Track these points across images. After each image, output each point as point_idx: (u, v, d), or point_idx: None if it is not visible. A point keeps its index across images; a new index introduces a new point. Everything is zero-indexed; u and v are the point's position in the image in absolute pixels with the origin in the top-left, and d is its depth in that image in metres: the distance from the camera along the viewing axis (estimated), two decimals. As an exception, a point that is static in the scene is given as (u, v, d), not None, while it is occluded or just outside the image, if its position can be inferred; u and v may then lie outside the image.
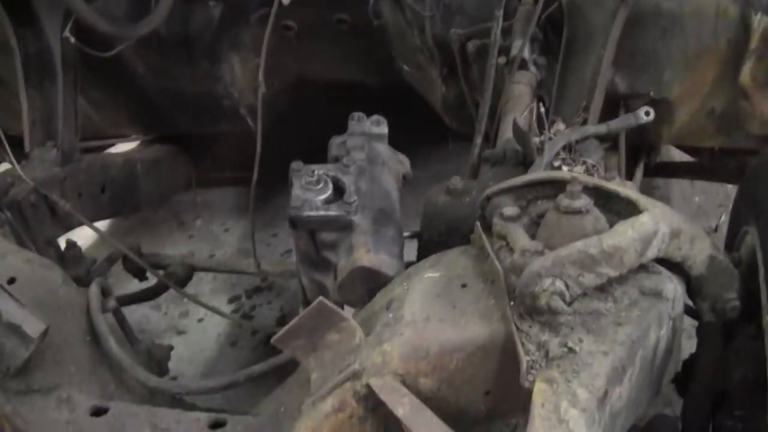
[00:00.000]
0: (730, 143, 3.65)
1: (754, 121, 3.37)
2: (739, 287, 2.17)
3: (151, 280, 3.76)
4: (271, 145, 3.30)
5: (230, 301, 4.77)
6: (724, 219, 4.83)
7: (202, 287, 4.81)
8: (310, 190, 2.38)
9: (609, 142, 2.95)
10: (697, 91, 3.35)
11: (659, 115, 3.25)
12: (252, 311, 4.68)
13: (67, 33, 3.35)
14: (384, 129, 2.75)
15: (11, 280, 2.53)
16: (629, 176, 3.66)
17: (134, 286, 3.88)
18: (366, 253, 2.31)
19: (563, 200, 1.95)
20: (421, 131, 4.63)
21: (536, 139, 2.68)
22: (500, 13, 2.82)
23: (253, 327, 4.50)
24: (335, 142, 2.71)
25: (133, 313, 4.24)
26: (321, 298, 1.93)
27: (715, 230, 4.86)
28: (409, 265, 2.45)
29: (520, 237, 1.99)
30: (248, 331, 4.52)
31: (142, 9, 3.64)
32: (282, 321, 4.50)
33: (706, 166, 4.16)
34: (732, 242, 2.50)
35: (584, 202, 1.94)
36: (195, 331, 4.58)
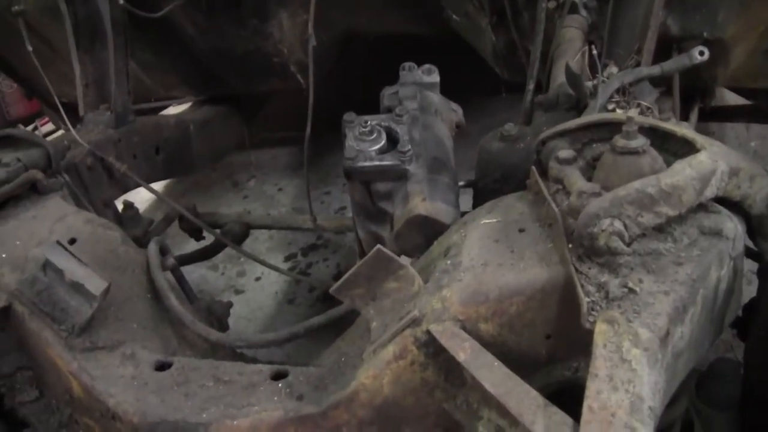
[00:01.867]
0: (785, 85, 3.60)
1: (811, 61, 3.31)
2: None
3: (208, 240, 3.79)
4: (321, 102, 3.29)
5: (286, 259, 4.80)
6: (782, 162, 4.77)
7: (258, 246, 4.85)
8: (363, 141, 2.38)
9: (663, 85, 2.91)
10: (753, 30, 3.29)
11: (713, 56, 3.19)
12: (308, 269, 4.70)
13: (116, -5, 3.36)
14: (436, 77, 2.74)
15: (72, 241, 2.57)
16: (684, 120, 3.62)
17: (191, 246, 3.92)
18: (422, 201, 2.30)
19: (619, 141, 1.93)
20: (471, 82, 4.62)
21: (589, 83, 2.65)
22: (549, -43, 2.80)
23: (311, 283, 4.51)
24: (387, 92, 2.70)
25: (191, 274, 4.29)
26: (379, 246, 1.92)
27: (774, 173, 4.80)
28: (465, 214, 2.45)
29: (576, 179, 1.98)
30: (305, 288, 4.54)
31: (189, -32, 3.66)
32: (338, 277, 4.50)
33: (763, 108, 4.09)
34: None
35: (641, 141, 1.92)
36: (253, 289, 4.62)
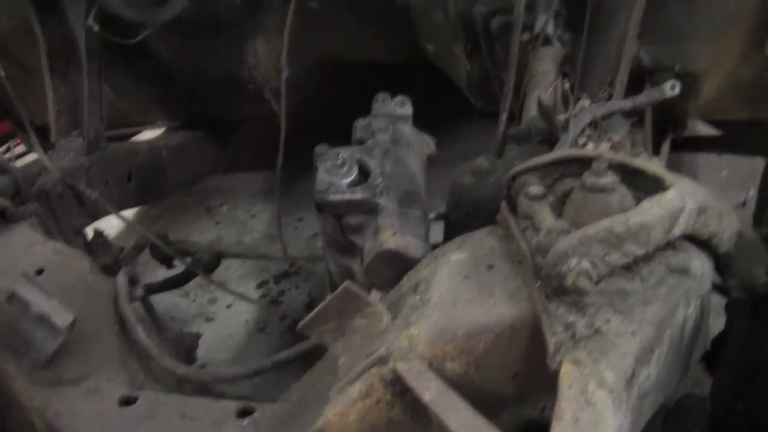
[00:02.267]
0: (758, 115, 3.60)
1: (781, 93, 3.33)
2: (768, 262, 2.14)
3: (179, 268, 3.77)
4: (296, 127, 3.29)
5: (258, 286, 4.79)
6: (753, 193, 4.80)
7: (230, 273, 4.83)
8: (335, 174, 2.37)
9: (635, 117, 2.93)
10: (724, 62, 3.31)
11: (685, 89, 3.21)
12: (280, 296, 4.69)
13: (90, 21, 3.35)
14: (408, 109, 2.74)
15: (39, 271, 2.55)
16: (656, 151, 3.63)
17: (162, 273, 3.90)
18: (392, 235, 2.30)
19: (589, 178, 1.93)
20: (446, 109, 4.63)
21: (561, 116, 2.66)
22: (524, -11, 2.81)
23: (282, 312, 4.50)
24: (360, 124, 2.70)
25: (162, 301, 4.28)
26: (347, 282, 1.92)
27: (743, 205, 4.83)
28: (435, 246, 2.45)
29: (545, 216, 1.98)
30: (277, 317, 4.53)
31: (165, -7, 3.65)
32: (310, 306, 4.51)
33: (734, 139, 4.11)
34: (761, 217, 2.47)
35: (610, 179, 1.92)
36: (223, 317, 4.60)
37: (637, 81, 3.25)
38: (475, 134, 5.36)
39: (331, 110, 5.06)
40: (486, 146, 2.90)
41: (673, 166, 4.79)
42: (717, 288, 2.15)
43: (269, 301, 4.64)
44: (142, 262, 3.80)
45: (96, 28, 3.38)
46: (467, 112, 4.27)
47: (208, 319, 4.62)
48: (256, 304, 4.34)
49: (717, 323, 2.27)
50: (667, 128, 3.80)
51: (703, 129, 4.42)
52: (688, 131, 4.21)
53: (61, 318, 2.23)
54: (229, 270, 4.89)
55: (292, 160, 3.22)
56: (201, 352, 2.96)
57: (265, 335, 4.44)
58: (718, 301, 2.22)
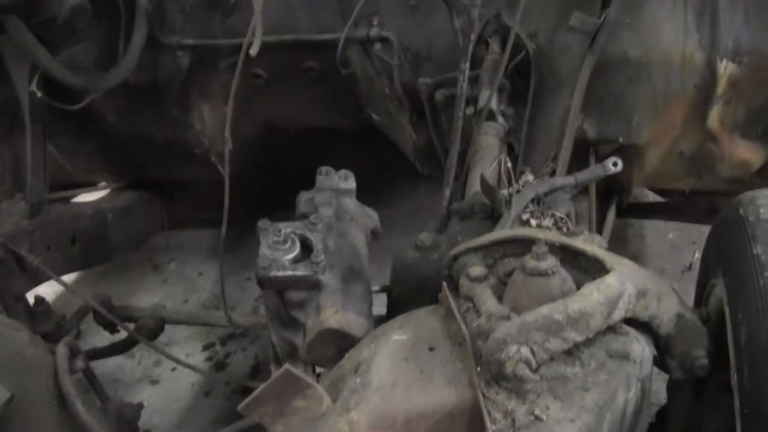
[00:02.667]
0: (700, 185, 3.66)
1: (723, 164, 3.39)
2: (708, 343, 2.16)
3: (124, 332, 3.73)
4: (244, 184, 3.29)
5: (204, 348, 4.74)
6: (698, 256, 4.84)
7: (176, 334, 4.78)
8: (277, 250, 2.36)
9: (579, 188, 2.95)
10: (666, 135, 3.37)
11: (629, 160, 3.27)
12: (226, 359, 4.65)
13: (33, 88, 3.32)
14: (352, 184, 2.74)
15: (-25, 344, 2.51)
16: (601, 218, 3.67)
17: (106, 333, 3.85)
18: (334, 313, 2.29)
19: (529, 262, 1.94)
20: (393, 169, 4.64)
21: (504, 192, 2.68)
22: (466, 65, 2.82)
23: (227, 378, 4.45)
24: (303, 198, 2.70)
25: (106, 363, 4.22)
26: (287, 365, 1.90)
27: (689, 268, 4.87)
28: (379, 319, 2.45)
29: (486, 299, 1.98)
30: (222, 381, 4.48)
31: (110, 57, 3.64)
32: (256, 369, 4.48)
33: (678, 206, 4.17)
34: (701, 294, 2.49)
35: (550, 263, 1.93)
36: (168, 380, 4.55)
37: (581, 152, 3.29)
38: (424, 193, 5.41)
39: (279, 165, 5.09)
40: (434, 206, 2.91)
41: (620, 229, 4.86)
42: (659, 364, 2.16)
43: (215, 365, 4.60)
44: (87, 321, 3.76)
45: (39, 94, 3.35)
46: (414, 172, 4.28)
47: (153, 382, 4.57)
48: (200, 373, 4.28)
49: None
50: (612, 195, 3.83)
51: (650, 194, 4.48)
52: (635, 195, 4.26)
53: (-3, 395, 2.20)
54: (175, 330, 4.83)
55: (239, 217, 3.22)
56: (145, 417, 2.93)
57: (210, 399, 4.39)
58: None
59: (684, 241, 5.19)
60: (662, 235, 5.27)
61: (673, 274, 4.90)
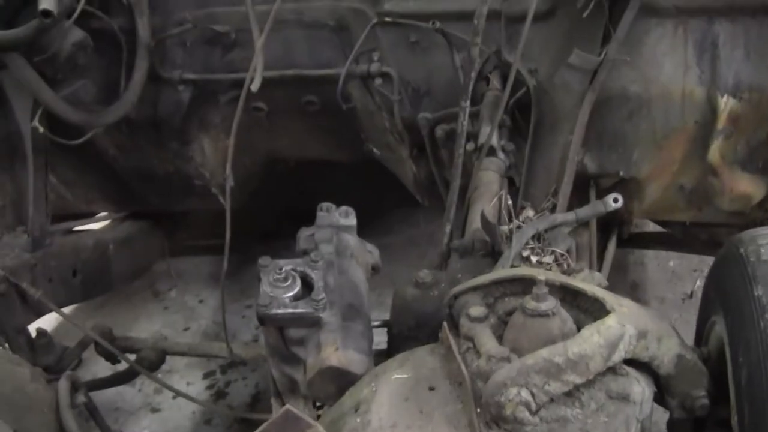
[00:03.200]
0: (700, 217, 3.66)
1: (723, 197, 3.39)
2: (708, 383, 2.16)
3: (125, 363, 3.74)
4: (245, 211, 3.29)
5: (205, 376, 4.73)
6: (699, 285, 4.84)
7: (176, 362, 4.76)
8: (277, 287, 2.37)
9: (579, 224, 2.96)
10: (666, 168, 3.38)
11: (629, 193, 3.29)
12: (227, 387, 4.64)
13: (36, 123, 3.34)
14: (352, 220, 2.75)
15: (-22, 380, 2.51)
16: (602, 248, 3.67)
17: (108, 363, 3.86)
18: (334, 351, 2.30)
19: (529, 303, 1.95)
20: (394, 197, 4.64)
21: (505, 228, 2.68)
22: (467, 104, 2.83)
23: (226, 410, 4.44)
24: (303, 234, 2.71)
25: (108, 391, 4.21)
26: (287, 406, 1.91)
27: (690, 296, 4.87)
28: (379, 353, 2.46)
29: (486, 340, 1.98)
30: (223, 409, 4.47)
31: (112, 92, 3.66)
32: (257, 397, 4.48)
33: (678, 237, 4.17)
34: (702, 329, 2.50)
35: (550, 304, 1.94)
36: (169, 408, 4.54)
37: (581, 185, 3.30)
38: (425, 220, 5.42)
39: (281, 191, 5.10)
40: (435, 233, 2.92)
41: (620, 257, 4.86)
42: (659, 403, 2.17)
43: (215, 393, 4.59)
44: (88, 349, 3.76)
45: (41, 130, 3.37)
46: (414, 201, 4.29)
47: (154, 410, 4.56)
48: (201, 404, 4.26)
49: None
50: (612, 227, 3.84)
51: (650, 224, 4.48)
52: (635, 224, 4.27)
53: (-1, 432, 2.21)
54: (176, 358, 4.83)
55: (241, 244, 3.22)
56: (147, 446, 2.92)
57: (211, 428, 4.38)
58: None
59: (685, 270, 5.18)
60: (663, 263, 5.26)
61: (673, 303, 4.90)
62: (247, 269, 5.27)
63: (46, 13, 2.94)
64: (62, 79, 3.39)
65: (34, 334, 3.44)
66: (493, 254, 2.67)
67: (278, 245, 4.65)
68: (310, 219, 2.75)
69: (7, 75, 3.30)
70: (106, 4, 3.63)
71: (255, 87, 3.18)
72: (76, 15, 3.21)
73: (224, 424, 4.38)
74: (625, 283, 5.04)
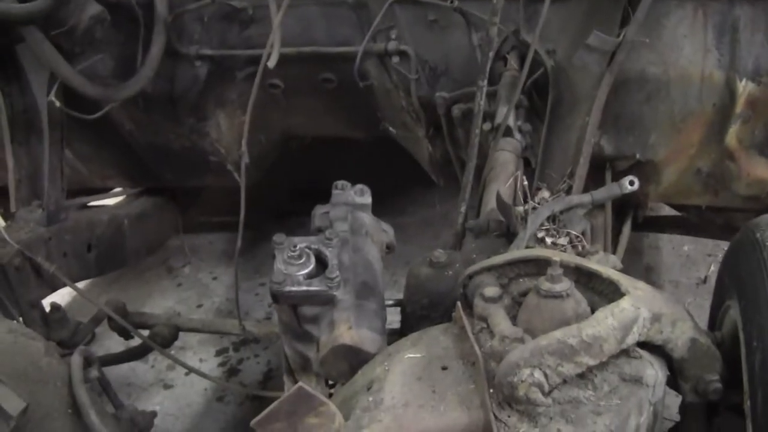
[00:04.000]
0: (717, 202, 3.65)
1: (740, 182, 3.38)
2: (721, 367, 2.15)
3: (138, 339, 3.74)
4: (260, 188, 3.29)
5: (218, 353, 4.75)
6: (713, 269, 4.84)
7: (189, 338, 4.79)
8: (292, 265, 2.37)
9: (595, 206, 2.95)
10: (683, 152, 3.36)
11: (645, 176, 3.27)
12: (239, 364, 4.66)
13: (52, 97, 3.33)
14: (368, 198, 2.74)
15: (-7, 354, 2.52)
16: (617, 231, 3.66)
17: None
18: (347, 329, 2.30)
19: (544, 284, 1.94)
20: (409, 177, 4.64)
21: (520, 209, 2.68)
22: (484, 83, 2.82)
23: (239, 387, 4.45)
24: (318, 212, 2.71)
25: (120, 366, 4.23)
26: (300, 383, 1.91)
27: (704, 281, 4.87)
28: (393, 332, 2.45)
29: (500, 320, 1.98)
30: (235, 386, 4.49)
31: (129, 67, 3.65)
32: (269, 375, 4.49)
33: (694, 221, 4.16)
34: (716, 314, 2.49)
35: (565, 285, 1.93)
36: (182, 384, 4.56)
37: (598, 167, 3.29)
38: (441, 199, 5.42)
39: (296, 167, 5.10)
40: (450, 214, 2.91)
41: (635, 241, 4.85)
42: (672, 386, 2.16)
43: (227, 370, 4.61)
44: (101, 324, 3.76)
45: (57, 104, 3.36)
46: (430, 180, 4.28)
47: (167, 386, 4.58)
48: (213, 381, 4.28)
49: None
50: (627, 210, 3.83)
51: (665, 208, 4.47)
52: (651, 207, 4.25)
53: (12, 405, 2.20)
54: (188, 335, 4.83)
55: (255, 220, 3.22)
56: (158, 421, 2.92)
57: (223, 405, 4.40)
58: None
59: (699, 254, 5.18)
60: (677, 247, 5.26)
61: (687, 287, 4.90)
62: (261, 247, 5.29)
63: (64, -13, 2.95)
64: (79, 53, 3.38)
65: (48, 309, 3.44)
66: (508, 235, 2.66)
67: (293, 223, 4.67)
68: (325, 197, 2.75)
69: (24, 48, 3.31)
70: None
71: (272, 63, 3.18)
72: (94, -11, 3.22)
73: (236, 401, 4.41)
74: (639, 266, 5.04)
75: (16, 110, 3.56)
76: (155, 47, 3.58)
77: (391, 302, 2.64)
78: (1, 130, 3.53)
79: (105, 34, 3.39)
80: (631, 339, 1.92)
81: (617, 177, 3.11)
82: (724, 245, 2.60)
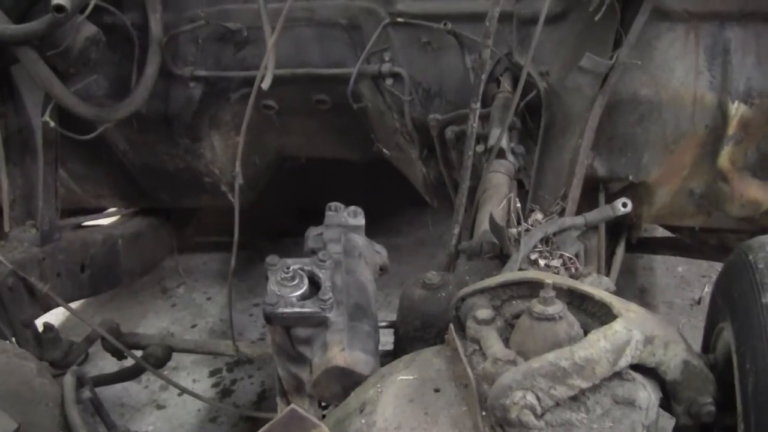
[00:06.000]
0: (710, 223, 3.66)
1: (733, 203, 3.38)
2: (715, 390, 2.15)
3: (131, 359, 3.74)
4: (254, 209, 3.29)
5: (211, 374, 4.74)
6: (707, 290, 4.84)
7: (183, 359, 4.77)
8: (285, 286, 2.37)
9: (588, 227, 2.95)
10: (676, 173, 3.37)
11: (639, 197, 3.28)
12: (232, 385, 4.65)
13: (46, 118, 3.34)
14: (361, 220, 2.75)
15: (-15, 375, 2.51)
16: (610, 252, 3.67)
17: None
18: (340, 351, 2.29)
19: (536, 306, 1.95)
20: (403, 198, 4.65)
21: (513, 231, 2.68)
22: (477, 105, 2.83)
23: (232, 408, 4.45)
24: (312, 234, 2.70)
25: (113, 387, 4.22)
26: (292, 406, 1.91)
27: (699, 302, 4.87)
28: (386, 354, 2.45)
29: (493, 342, 1.98)
30: (228, 409, 4.48)
31: (123, 87, 3.67)
32: (262, 396, 4.48)
33: (687, 243, 4.16)
34: (710, 335, 2.49)
35: (557, 308, 1.94)
36: (175, 405, 4.55)
37: (591, 189, 3.30)
38: (435, 221, 5.43)
39: (291, 189, 5.11)
40: (444, 235, 2.91)
41: (629, 262, 4.85)
42: (665, 408, 2.16)
43: (221, 391, 4.60)
44: (95, 344, 3.76)
45: (52, 124, 3.37)
46: (424, 201, 4.29)
47: (160, 407, 4.56)
48: (206, 402, 4.27)
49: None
50: (621, 231, 3.84)
51: (659, 229, 4.48)
52: (644, 230, 4.26)
53: (4, 426, 2.20)
54: (182, 355, 4.83)
55: (249, 240, 3.23)
56: (151, 443, 2.93)
57: (216, 426, 4.39)
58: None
59: (693, 275, 5.19)
60: (671, 268, 5.27)
61: (682, 308, 4.90)
62: (255, 267, 5.29)
63: (59, 8, 2.95)
64: (74, 74, 3.39)
65: (41, 329, 3.44)
66: (501, 257, 2.66)
67: (287, 244, 4.67)
68: (318, 218, 2.75)
69: (19, 69, 3.32)
70: (118, 0, 3.64)
71: (266, 85, 3.19)
72: (89, 10, 3.22)
73: (229, 422, 4.39)
74: (633, 287, 5.05)
75: (11, 130, 3.56)
76: (150, 68, 3.59)
77: (384, 324, 2.64)
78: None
79: (100, 55, 3.40)
80: (624, 362, 1.92)
81: (610, 199, 3.12)
82: (718, 266, 2.60)
